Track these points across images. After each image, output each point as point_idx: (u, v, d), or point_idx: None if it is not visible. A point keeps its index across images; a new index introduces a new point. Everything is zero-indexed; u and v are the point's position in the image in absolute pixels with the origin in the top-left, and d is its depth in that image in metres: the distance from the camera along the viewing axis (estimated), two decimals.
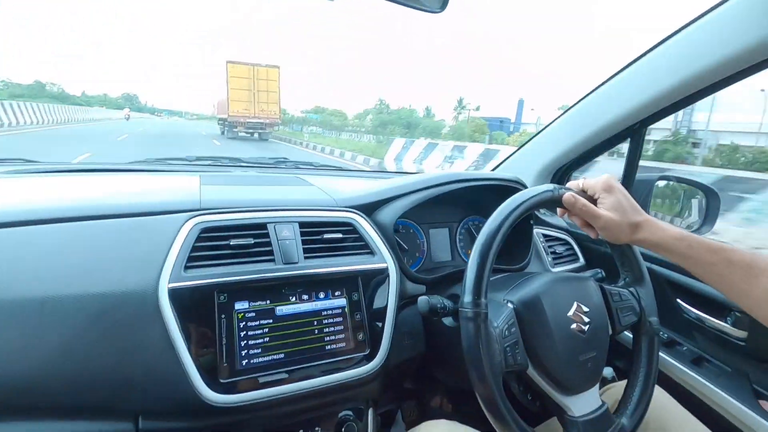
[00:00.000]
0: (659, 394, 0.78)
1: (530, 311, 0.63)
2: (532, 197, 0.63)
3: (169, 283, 0.59)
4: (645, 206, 1.07)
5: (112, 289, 0.58)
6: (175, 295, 0.59)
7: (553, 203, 0.66)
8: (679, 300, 0.96)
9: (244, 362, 0.62)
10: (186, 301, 0.60)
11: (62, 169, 0.98)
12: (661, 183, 1.13)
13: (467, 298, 0.56)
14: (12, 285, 0.55)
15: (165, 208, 0.70)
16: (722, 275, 0.59)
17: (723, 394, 0.82)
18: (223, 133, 21.30)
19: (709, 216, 1.13)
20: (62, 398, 0.54)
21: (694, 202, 1.18)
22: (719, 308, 0.89)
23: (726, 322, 0.87)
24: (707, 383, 0.85)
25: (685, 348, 0.95)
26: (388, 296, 0.75)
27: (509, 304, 0.64)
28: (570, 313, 0.65)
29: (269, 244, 0.70)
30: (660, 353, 0.93)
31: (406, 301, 0.81)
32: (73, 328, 0.55)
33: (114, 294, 0.58)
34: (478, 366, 0.55)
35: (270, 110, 19.86)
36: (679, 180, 1.19)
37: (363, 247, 0.78)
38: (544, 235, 1.12)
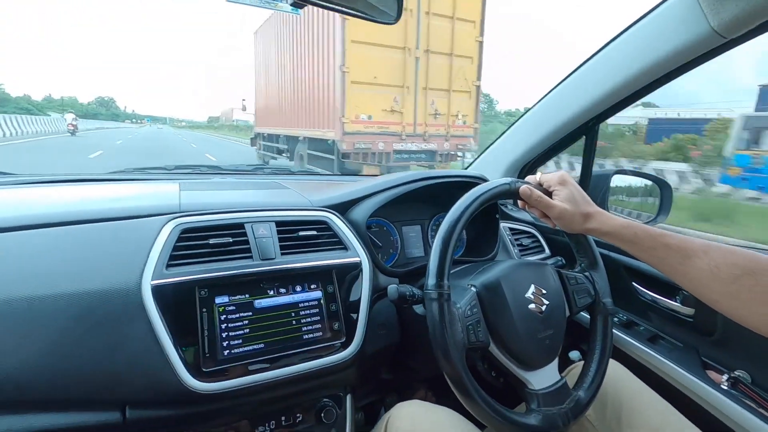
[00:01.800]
0: (617, 369, 0.84)
1: (491, 293, 0.69)
2: (490, 189, 0.70)
3: (152, 280, 0.63)
4: (604, 200, 1.15)
5: (96, 288, 0.61)
6: (158, 291, 0.63)
7: (510, 195, 0.72)
8: (634, 283, 1.04)
9: (225, 352, 0.65)
10: (169, 297, 0.63)
11: (41, 180, 1.00)
12: (617, 177, 1.22)
13: (431, 281, 0.62)
14: (0, 286, 0.58)
15: (145, 212, 0.73)
16: (662, 258, 0.65)
17: (675, 367, 0.88)
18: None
19: (663, 206, 1.22)
20: (51, 392, 0.57)
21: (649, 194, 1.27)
22: (670, 289, 0.96)
23: (676, 301, 0.94)
24: (661, 358, 0.91)
25: (642, 328, 1.02)
26: (362, 288, 0.80)
27: (472, 288, 0.69)
28: (528, 294, 0.71)
29: (247, 242, 0.74)
30: (619, 333, 1.00)
31: (379, 293, 0.86)
32: (60, 325, 0.58)
33: (98, 292, 0.61)
34: (442, 343, 0.60)
35: (458, 111, 6.93)
36: (634, 173, 1.28)
37: (337, 243, 0.82)
38: (511, 229, 1.18)
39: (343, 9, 0.60)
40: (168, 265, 0.66)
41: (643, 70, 0.88)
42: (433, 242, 1.09)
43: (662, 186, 1.23)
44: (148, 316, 0.61)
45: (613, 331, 0.99)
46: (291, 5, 0.54)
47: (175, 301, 0.64)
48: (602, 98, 0.98)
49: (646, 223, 1.21)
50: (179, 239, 0.69)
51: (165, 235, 0.69)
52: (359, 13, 0.59)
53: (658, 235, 0.66)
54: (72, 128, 22.56)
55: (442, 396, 1.21)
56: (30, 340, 0.57)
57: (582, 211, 0.70)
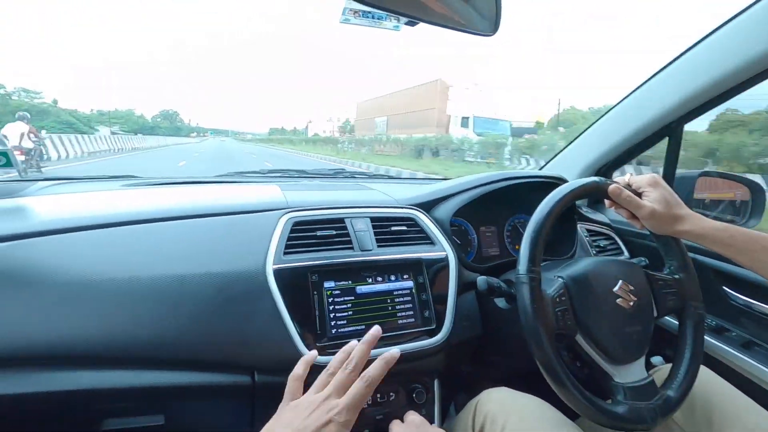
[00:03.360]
0: (706, 373, 0.82)
1: (578, 285, 0.71)
2: (581, 185, 0.73)
3: (273, 264, 0.73)
4: (688, 203, 1.12)
5: (229, 270, 0.72)
6: (278, 274, 0.73)
7: (599, 193, 0.75)
8: (725, 287, 1.00)
9: (333, 330, 0.74)
10: (287, 280, 0.73)
11: (162, 182, 1.16)
12: (702, 180, 1.17)
13: (522, 266, 0.66)
14: (155, 265, 0.70)
15: (262, 207, 0.85)
16: (764, 261, 0.65)
17: None
18: None
19: (755, 210, 1.16)
20: (198, 353, 0.69)
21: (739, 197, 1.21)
22: (766, 293, 0.92)
23: None
24: (759, 365, 0.88)
25: (734, 334, 0.99)
26: (449, 280, 0.86)
27: (560, 279, 0.73)
28: (615, 289, 0.73)
29: (348, 235, 0.83)
30: (708, 338, 0.97)
31: (463, 287, 0.91)
32: (204, 298, 0.70)
33: (231, 273, 0.72)
34: (533, 327, 0.64)
35: None
36: (722, 176, 1.23)
37: (424, 238, 0.89)
38: (588, 230, 1.18)
39: (441, 24, 0.66)
40: (285, 252, 0.76)
41: (736, 70, 0.87)
42: (507, 242, 1.14)
43: (754, 189, 1.17)
44: (272, 295, 0.71)
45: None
46: (405, 23, 0.62)
47: (292, 284, 0.74)
48: (690, 97, 0.97)
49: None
50: (292, 230, 0.79)
51: (281, 226, 0.79)
52: (458, 28, 0.66)
53: (760, 238, 0.65)
54: (25, 160, 8.06)
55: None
56: (181, 309, 0.69)
57: (673, 213, 0.71)
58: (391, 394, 0.82)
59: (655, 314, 0.77)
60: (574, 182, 0.72)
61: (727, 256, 0.69)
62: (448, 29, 0.68)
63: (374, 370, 0.59)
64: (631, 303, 0.73)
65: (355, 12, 0.70)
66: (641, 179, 0.75)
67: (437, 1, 0.62)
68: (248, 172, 1.34)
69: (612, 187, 0.73)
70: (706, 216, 1.12)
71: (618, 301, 0.72)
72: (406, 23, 0.61)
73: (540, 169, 1.42)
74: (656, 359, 1.11)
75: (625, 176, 0.78)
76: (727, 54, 0.88)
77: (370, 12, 0.70)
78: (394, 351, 0.62)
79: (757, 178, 1.21)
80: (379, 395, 0.81)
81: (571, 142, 1.31)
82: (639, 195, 0.74)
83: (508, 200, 1.12)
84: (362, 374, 0.58)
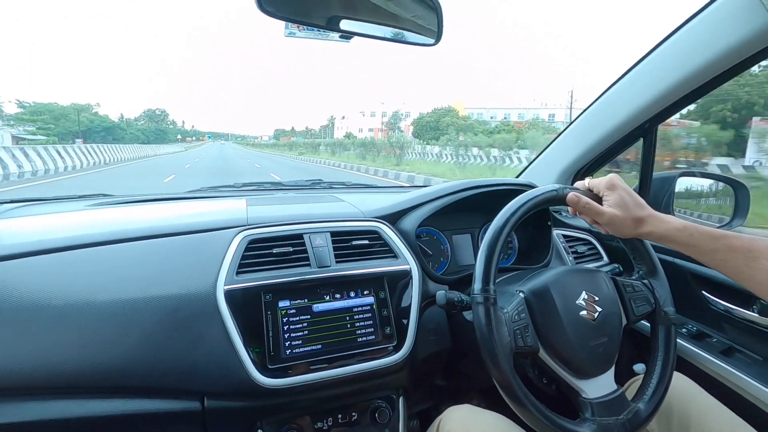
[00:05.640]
0: (685, 383, 0.79)
1: (539, 299, 0.69)
2: (537, 196, 0.70)
3: (224, 285, 0.72)
4: (668, 205, 1.09)
5: (180, 292, 0.71)
6: (229, 295, 0.71)
7: (557, 201, 0.72)
8: (704, 292, 0.97)
9: (288, 351, 0.72)
10: (239, 301, 0.71)
11: (132, 200, 1.15)
12: (683, 179, 1.15)
13: (477, 285, 0.64)
14: (106, 289, 0.69)
15: (219, 225, 0.83)
16: (725, 261, 0.62)
17: (754, 382, 0.82)
18: None
19: (739, 209, 1.13)
20: (146, 379, 0.67)
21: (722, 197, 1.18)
22: (744, 298, 0.89)
23: (752, 311, 0.88)
24: (738, 373, 0.85)
25: (715, 340, 0.95)
26: (412, 295, 0.83)
27: (520, 294, 0.70)
28: (579, 301, 0.70)
29: (305, 251, 0.80)
30: (688, 345, 0.94)
31: (429, 300, 0.89)
32: (152, 323, 0.68)
33: (182, 295, 0.70)
34: (489, 347, 0.62)
35: None
36: (704, 175, 1.20)
37: (387, 251, 0.87)
38: (565, 236, 1.16)
39: (385, 38, 0.65)
40: (238, 272, 0.74)
41: (702, 67, 0.85)
42: None
43: (736, 187, 1.14)
44: (222, 317, 0.70)
45: (683, 343, 0.94)
46: (339, 37, 0.61)
47: (244, 304, 0.72)
48: (659, 98, 0.94)
49: (720, 227, 1.13)
50: (247, 249, 0.77)
51: (235, 245, 0.77)
52: (402, 41, 0.64)
53: (720, 236, 0.62)
54: None
55: (495, 404, 1.20)
56: (129, 334, 0.67)
57: (633, 215, 0.68)
58: (353, 414, 0.80)
59: (625, 322, 0.75)
60: (529, 193, 0.70)
61: (691, 256, 0.66)
62: (390, 41, 0.67)
63: None
64: (596, 314, 0.71)
65: (299, 26, 0.69)
66: (599, 182, 0.72)
67: (374, 14, 0.61)
68: (222, 187, 1.33)
69: (570, 195, 0.71)
70: (686, 217, 1.09)
71: (582, 313, 0.70)
72: (339, 37, 0.59)
73: (517, 176, 1.40)
74: (639, 367, 1.08)
75: (585, 180, 0.75)
76: (695, 49, 0.85)
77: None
78: None
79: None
80: (340, 416, 0.79)
81: (548, 146, 1.28)
82: (600, 199, 0.72)
83: (481, 207, 1.10)
84: None
